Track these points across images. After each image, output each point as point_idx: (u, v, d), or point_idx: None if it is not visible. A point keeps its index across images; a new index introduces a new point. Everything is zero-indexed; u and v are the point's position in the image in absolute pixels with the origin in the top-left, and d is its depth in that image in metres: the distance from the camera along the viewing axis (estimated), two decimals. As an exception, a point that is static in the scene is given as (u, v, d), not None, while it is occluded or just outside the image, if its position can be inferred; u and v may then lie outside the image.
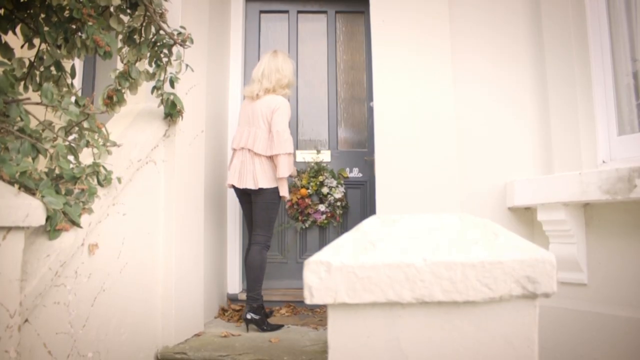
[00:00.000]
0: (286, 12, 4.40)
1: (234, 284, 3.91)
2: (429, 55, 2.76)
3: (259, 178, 3.16)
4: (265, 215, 3.24)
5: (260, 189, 3.17)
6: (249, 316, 3.11)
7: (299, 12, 4.38)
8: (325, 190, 4.05)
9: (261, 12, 4.36)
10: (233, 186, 3.30)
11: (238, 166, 3.25)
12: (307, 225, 4.10)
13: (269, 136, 3.19)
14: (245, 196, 3.33)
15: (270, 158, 3.19)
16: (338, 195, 4.05)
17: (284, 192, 3.23)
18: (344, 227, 4.09)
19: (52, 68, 2.09)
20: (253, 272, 3.20)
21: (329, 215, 4.04)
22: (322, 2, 4.37)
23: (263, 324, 3.12)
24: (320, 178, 4.07)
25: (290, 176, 3.67)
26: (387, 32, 2.84)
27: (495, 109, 2.69)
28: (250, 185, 3.17)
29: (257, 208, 3.24)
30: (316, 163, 4.13)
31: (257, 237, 3.26)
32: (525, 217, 2.57)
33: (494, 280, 0.91)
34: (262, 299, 3.24)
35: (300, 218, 4.09)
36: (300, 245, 4.20)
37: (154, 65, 2.53)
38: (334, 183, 4.08)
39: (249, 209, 3.35)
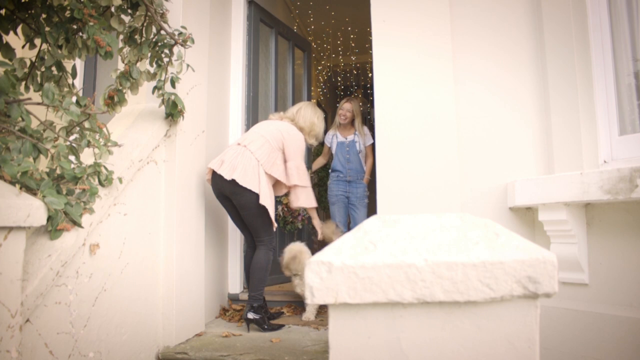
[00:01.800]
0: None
1: (235, 283, 3.91)
2: (430, 55, 2.76)
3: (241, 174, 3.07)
4: (259, 221, 3.19)
5: (242, 188, 3.05)
6: (250, 316, 3.10)
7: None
8: None
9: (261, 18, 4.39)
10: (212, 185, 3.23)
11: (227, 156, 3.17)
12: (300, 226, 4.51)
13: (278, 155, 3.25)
14: (224, 197, 3.24)
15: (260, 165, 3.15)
16: None
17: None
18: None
19: (53, 68, 2.09)
20: (258, 272, 3.19)
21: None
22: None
23: (264, 323, 3.12)
24: None
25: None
26: (387, 32, 2.84)
27: (496, 109, 2.69)
28: (226, 174, 3.05)
29: (249, 216, 3.17)
30: None
31: (261, 240, 3.25)
32: (526, 217, 2.57)
33: (495, 280, 0.91)
34: (264, 300, 3.25)
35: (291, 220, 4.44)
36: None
37: (155, 65, 2.54)
38: None
39: (232, 211, 3.32)
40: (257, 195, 3.06)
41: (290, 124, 3.41)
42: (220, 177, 3.07)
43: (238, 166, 3.07)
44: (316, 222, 3.64)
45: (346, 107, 4.77)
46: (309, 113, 3.49)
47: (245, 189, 3.05)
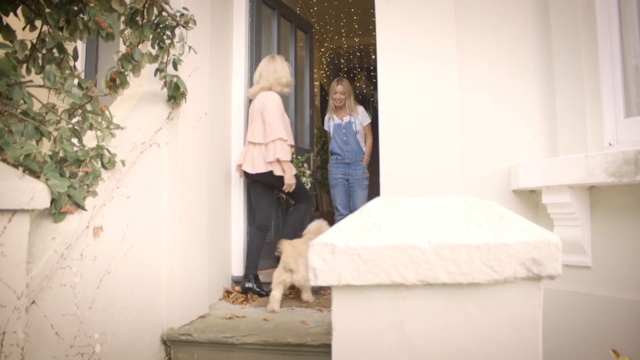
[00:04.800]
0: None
1: (238, 266, 3.93)
2: (433, 35, 2.72)
3: (255, 163, 3.62)
4: (295, 189, 3.74)
5: (265, 174, 3.59)
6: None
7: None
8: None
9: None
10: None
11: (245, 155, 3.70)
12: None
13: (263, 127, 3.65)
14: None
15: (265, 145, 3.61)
16: None
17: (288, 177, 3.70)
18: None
19: (55, 50, 2.08)
20: (299, 216, 3.98)
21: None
22: None
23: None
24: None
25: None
26: (391, 12, 2.80)
27: (500, 91, 2.66)
28: (249, 169, 3.61)
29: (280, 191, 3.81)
30: None
31: (300, 200, 3.94)
32: (530, 200, 2.56)
33: (498, 262, 0.91)
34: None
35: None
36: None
37: (156, 47, 2.51)
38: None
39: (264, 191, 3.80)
40: (272, 173, 3.59)
41: (265, 92, 3.71)
42: (246, 171, 3.66)
43: (254, 160, 3.61)
44: (287, 175, 3.71)
45: (339, 90, 4.75)
46: (270, 70, 3.74)
47: (264, 173, 3.61)
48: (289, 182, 3.64)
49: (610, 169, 1.98)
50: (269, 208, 3.84)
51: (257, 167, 3.59)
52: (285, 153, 3.60)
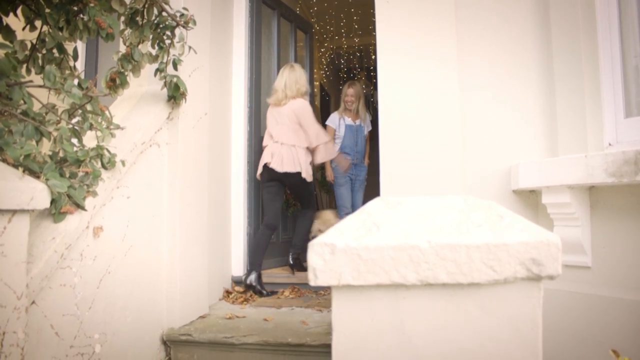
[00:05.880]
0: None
1: (238, 266, 3.93)
2: (433, 35, 2.72)
3: (284, 163, 3.82)
4: (307, 193, 4.07)
5: (290, 173, 3.84)
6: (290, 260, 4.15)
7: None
8: None
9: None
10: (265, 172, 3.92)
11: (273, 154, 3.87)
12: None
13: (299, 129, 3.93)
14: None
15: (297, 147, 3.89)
16: None
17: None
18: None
19: (55, 50, 2.07)
20: (306, 225, 4.22)
21: None
22: None
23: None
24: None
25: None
26: (391, 13, 2.80)
27: (500, 91, 2.66)
28: (277, 167, 3.79)
29: (299, 191, 4.07)
30: None
31: (307, 207, 4.18)
32: (529, 200, 2.56)
33: (498, 262, 0.91)
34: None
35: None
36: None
37: (156, 47, 2.51)
38: None
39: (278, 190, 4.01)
40: (300, 174, 3.85)
41: (295, 100, 3.94)
42: (266, 166, 3.85)
43: (284, 159, 3.81)
44: (329, 172, 4.80)
45: (350, 93, 4.92)
46: (292, 80, 3.96)
47: (292, 173, 3.82)
48: (330, 179, 4.70)
49: (610, 169, 1.97)
50: (280, 209, 4.04)
51: (286, 167, 3.78)
52: (333, 153, 4.21)
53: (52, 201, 1.83)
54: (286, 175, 3.81)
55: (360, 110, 4.92)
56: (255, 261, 3.79)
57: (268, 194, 3.93)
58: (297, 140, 3.87)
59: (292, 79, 3.95)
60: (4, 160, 1.65)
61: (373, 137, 4.22)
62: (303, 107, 3.90)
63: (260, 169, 3.92)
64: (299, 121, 3.88)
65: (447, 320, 0.94)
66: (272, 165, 3.79)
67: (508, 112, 2.64)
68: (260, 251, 3.80)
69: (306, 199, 4.10)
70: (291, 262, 4.08)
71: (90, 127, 2.09)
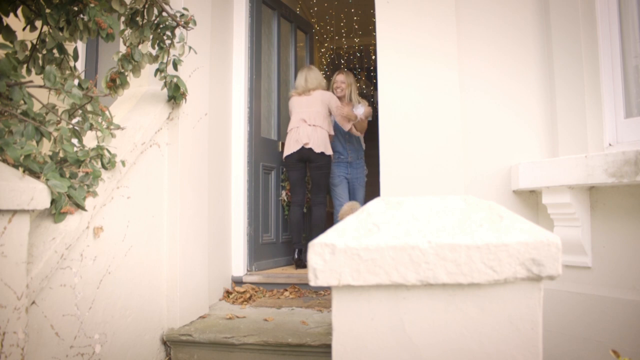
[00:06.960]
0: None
1: (239, 266, 3.93)
2: (433, 36, 2.73)
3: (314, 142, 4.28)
4: (325, 181, 4.49)
5: (321, 154, 4.31)
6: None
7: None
8: None
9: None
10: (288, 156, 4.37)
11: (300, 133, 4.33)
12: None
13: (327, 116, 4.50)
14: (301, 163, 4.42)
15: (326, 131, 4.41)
16: None
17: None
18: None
19: (55, 51, 2.08)
20: (320, 224, 4.51)
21: None
22: None
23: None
24: None
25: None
26: (391, 13, 2.80)
27: (500, 91, 2.66)
28: (315, 147, 4.25)
29: (320, 176, 4.42)
30: None
31: (319, 199, 4.46)
32: (530, 200, 2.56)
33: (498, 262, 0.91)
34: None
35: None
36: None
37: (156, 47, 2.51)
38: None
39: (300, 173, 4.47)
40: (329, 157, 4.41)
41: (321, 90, 4.52)
42: (303, 149, 4.27)
43: (319, 140, 4.29)
44: (354, 130, 4.77)
45: (340, 79, 4.71)
46: (312, 76, 4.53)
47: (324, 154, 4.32)
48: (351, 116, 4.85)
49: (610, 169, 1.97)
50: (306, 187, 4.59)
51: (322, 148, 4.29)
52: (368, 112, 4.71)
53: (52, 201, 1.83)
54: (319, 156, 4.29)
55: (353, 99, 4.65)
56: (296, 240, 4.38)
57: (297, 173, 4.41)
58: (327, 125, 4.41)
59: (312, 76, 4.50)
60: (4, 161, 1.65)
61: (373, 137, 4.20)
62: (332, 96, 4.53)
63: (291, 150, 4.30)
64: (329, 108, 4.45)
65: (447, 320, 0.94)
66: (310, 146, 4.23)
67: (508, 112, 2.65)
68: (296, 228, 4.39)
69: (324, 183, 4.48)
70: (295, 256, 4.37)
71: (91, 128, 2.09)
